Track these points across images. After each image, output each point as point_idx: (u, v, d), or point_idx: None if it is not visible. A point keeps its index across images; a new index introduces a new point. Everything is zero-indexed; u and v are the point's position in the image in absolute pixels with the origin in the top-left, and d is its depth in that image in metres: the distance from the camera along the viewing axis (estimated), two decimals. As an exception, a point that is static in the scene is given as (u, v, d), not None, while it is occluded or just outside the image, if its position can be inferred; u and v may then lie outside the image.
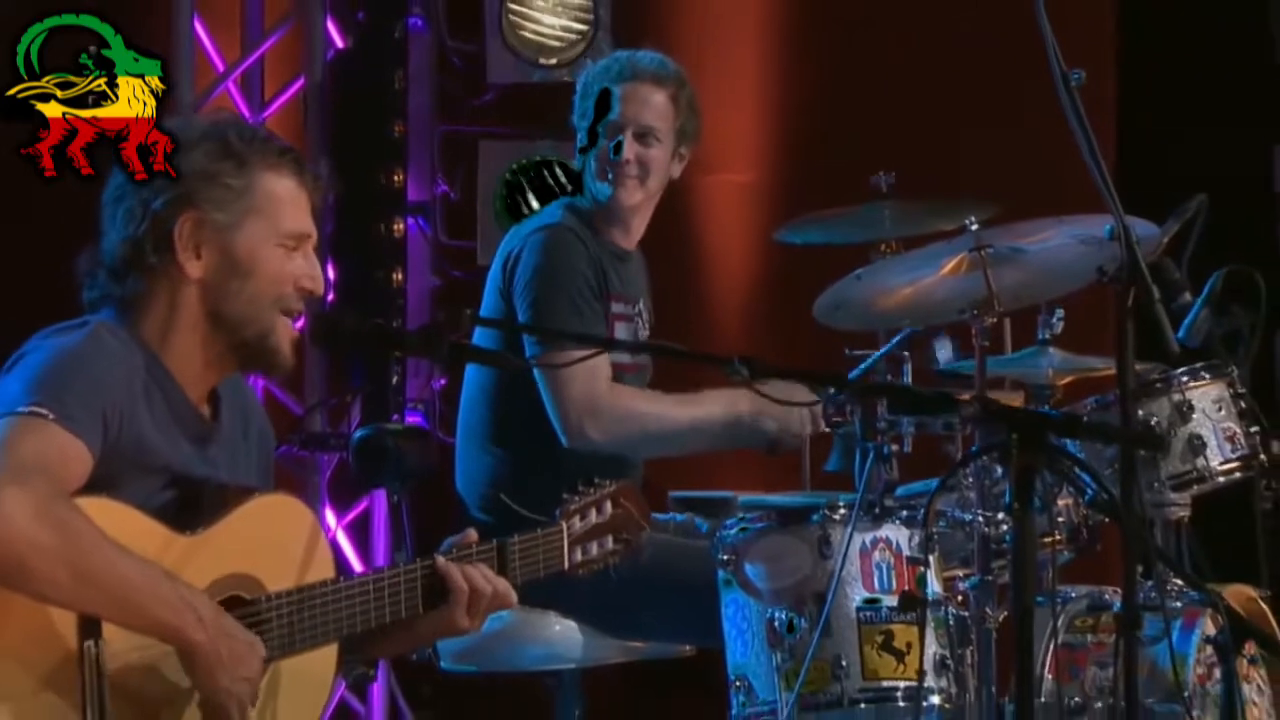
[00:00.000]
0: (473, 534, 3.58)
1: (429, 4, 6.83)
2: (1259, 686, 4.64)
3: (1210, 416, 4.75)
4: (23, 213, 5.74)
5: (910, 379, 4.71)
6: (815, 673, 4.36)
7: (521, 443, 4.91)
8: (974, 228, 4.58)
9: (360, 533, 6.77)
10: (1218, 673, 4.27)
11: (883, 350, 4.77)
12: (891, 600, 4.40)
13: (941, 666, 4.42)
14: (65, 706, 3.14)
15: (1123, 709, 3.78)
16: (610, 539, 3.72)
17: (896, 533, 4.46)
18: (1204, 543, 4.87)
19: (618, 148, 4.95)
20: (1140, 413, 4.64)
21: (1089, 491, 4.08)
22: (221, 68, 6.80)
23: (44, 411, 3.18)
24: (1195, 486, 4.74)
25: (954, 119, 6.64)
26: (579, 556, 3.68)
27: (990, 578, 4.50)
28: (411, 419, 6.64)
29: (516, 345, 4.86)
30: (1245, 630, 4.13)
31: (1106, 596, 4.65)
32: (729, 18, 6.94)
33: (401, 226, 6.76)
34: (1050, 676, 4.52)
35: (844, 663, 4.36)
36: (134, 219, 3.42)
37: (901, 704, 4.38)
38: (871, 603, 4.41)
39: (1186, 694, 4.41)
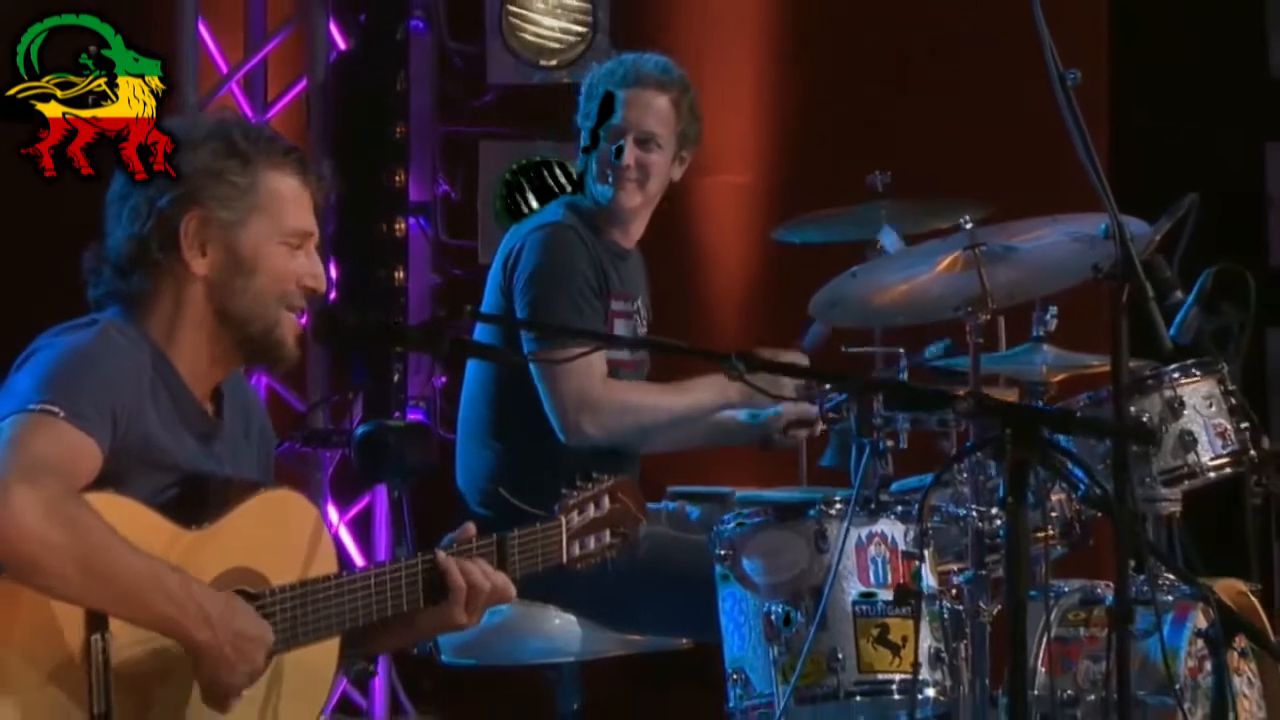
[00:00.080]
0: (471, 528, 3.59)
1: (430, 6, 6.85)
2: (1249, 679, 4.66)
3: (1201, 413, 4.74)
4: (23, 212, 5.76)
5: (905, 375, 4.72)
6: (811, 666, 4.36)
7: (521, 438, 4.92)
8: (968, 226, 4.58)
9: (362, 528, 6.79)
10: (1209, 666, 4.34)
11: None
12: (887, 594, 4.40)
13: (936, 660, 4.42)
14: (70, 700, 3.15)
15: (1115, 702, 3.80)
16: (608, 533, 3.72)
17: (892, 528, 4.45)
18: (1195, 538, 4.89)
19: (619, 152, 4.97)
20: (1132, 409, 4.64)
21: (1082, 487, 4.11)
22: (225, 69, 6.82)
23: (55, 409, 3.19)
24: (1186, 482, 4.74)
25: (948, 120, 6.64)
26: (577, 551, 3.68)
27: (984, 572, 4.51)
28: (413, 416, 6.66)
29: (516, 342, 4.86)
30: (1236, 624, 4.17)
31: (1099, 591, 4.66)
32: (727, 21, 6.94)
33: (403, 226, 6.78)
34: (1043, 669, 4.54)
35: (840, 656, 4.36)
36: (139, 216, 3.42)
37: (897, 697, 4.39)
38: (867, 597, 4.40)
39: (1178, 687, 4.41)
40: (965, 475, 4.58)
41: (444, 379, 6.64)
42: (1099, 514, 4.60)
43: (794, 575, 4.44)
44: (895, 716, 4.49)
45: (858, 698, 4.39)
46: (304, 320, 3.60)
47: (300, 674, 3.42)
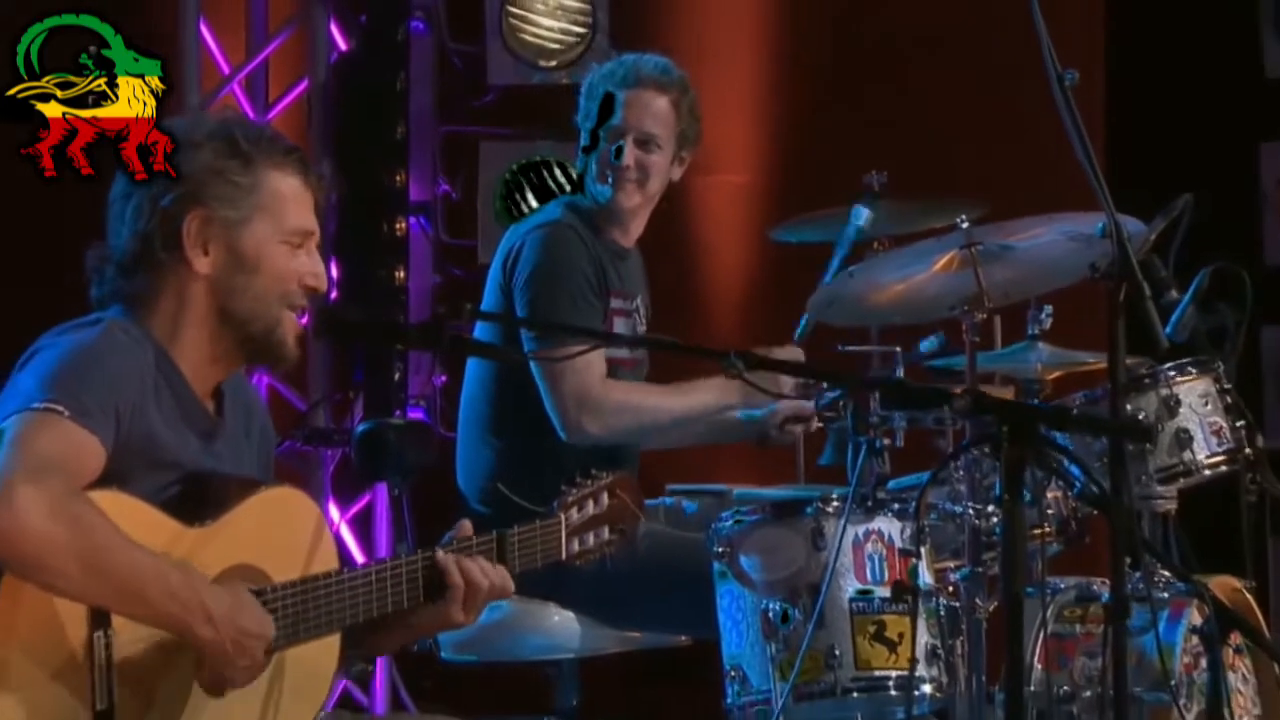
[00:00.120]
0: (467, 525, 3.59)
1: (430, 7, 6.86)
2: (1244, 675, 4.66)
3: (1197, 411, 4.77)
4: (23, 212, 5.75)
5: (901, 374, 4.72)
6: (809, 663, 4.36)
7: (521, 436, 4.94)
8: (965, 225, 4.59)
9: (363, 526, 6.80)
10: (1204, 662, 4.32)
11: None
12: (884, 591, 4.40)
13: (933, 656, 4.43)
14: (74, 696, 3.16)
15: (1111, 698, 3.80)
16: (606, 530, 3.72)
17: (889, 525, 4.46)
18: (1190, 535, 4.88)
19: (619, 152, 4.98)
20: (1128, 407, 4.65)
21: (1078, 484, 4.12)
22: (227, 70, 6.83)
23: (59, 408, 3.19)
24: (1182, 480, 4.76)
25: (945, 120, 6.65)
26: (576, 547, 3.68)
27: (980, 569, 4.52)
28: (413, 415, 6.66)
29: (516, 341, 4.87)
30: (1230, 620, 4.18)
31: (1095, 587, 4.66)
32: (725, 22, 6.94)
33: (404, 225, 6.79)
34: (1039, 666, 4.55)
35: (837, 652, 4.36)
36: (142, 216, 3.42)
37: (893, 693, 4.40)
38: (864, 594, 4.41)
39: (1173, 683, 4.42)
40: (962, 473, 4.59)
41: (444, 378, 6.65)
42: (1095, 511, 4.61)
43: (791, 572, 4.44)
44: (892, 713, 4.51)
45: (855, 694, 4.40)
46: (305, 320, 3.60)
47: (301, 670, 3.42)
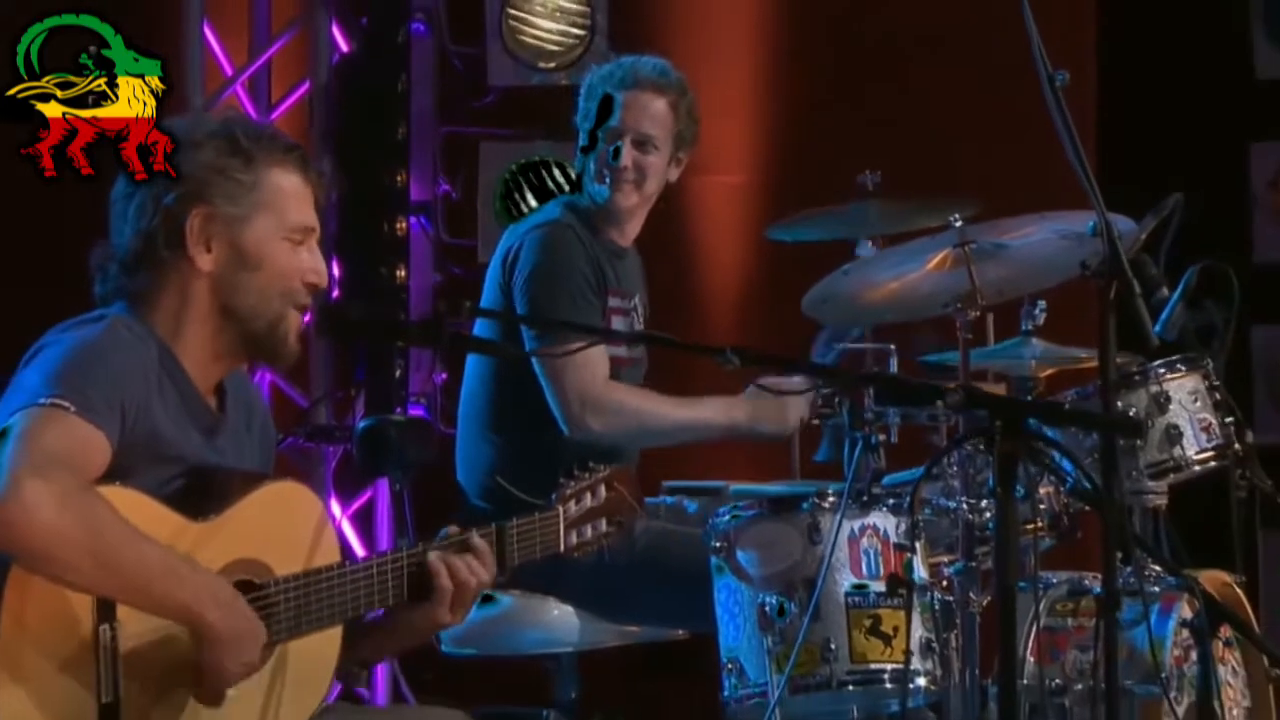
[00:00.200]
0: (452, 529, 3.58)
1: (431, 9, 6.87)
2: (1234, 668, 4.68)
3: (1186, 407, 4.79)
4: (23, 212, 5.74)
5: (896, 370, 4.75)
6: (805, 656, 4.37)
7: (520, 432, 4.95)
8: (958, 224, 4.62)
9: (364, 522, 6.81)
10: (1194, 655, 4.34)
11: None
12: (879, 585, 4.41)
13: (927, 650, 4.43)
14: (80, 688, 3.17)
15: (1102, 691, 3.83)
16: (604, 522, 3.72)
17: (884, 520, 4.47)
18: (1180, 530, 4.89)
19: (616, 153, 4.99)
20: (1119, 403, 4.65)
21: (1070, 480, 4.16)
22: (230, 71, 6.83)
23: (65, 403, 3.20)
24: (1172, 475, 4.78)
25: (944, 120, 6.64)
26: (574, 539, 3.69)
27: (974, 564, 4.54)
28: (414, 412, 6.65)
29: (515, 338, 4.88)
30: (1220, 614, 4.21)
31: (1086, 582, 4.66)
32: (722, 25, 6.94)
33: (404, 225, 6.80)
34: (1032, 659, 4.52)
35: (833, 646, 4.37)
36: (145, 214, 3.43)
37: (888, 686, 4.41)
38: (859, 588, 4.42)
39: (1164, 675, 4.42)
40: (955, 469, 4.60)
41: (444, 375, 6.64)
42: (1087, 507, 4.62)
43: (788, 567, 4.45)
44: (887, 705, 4.54)
45: (850, 687, 4.41)
46: (307, 318, 3.61)
47: (303, 663, 3.43)
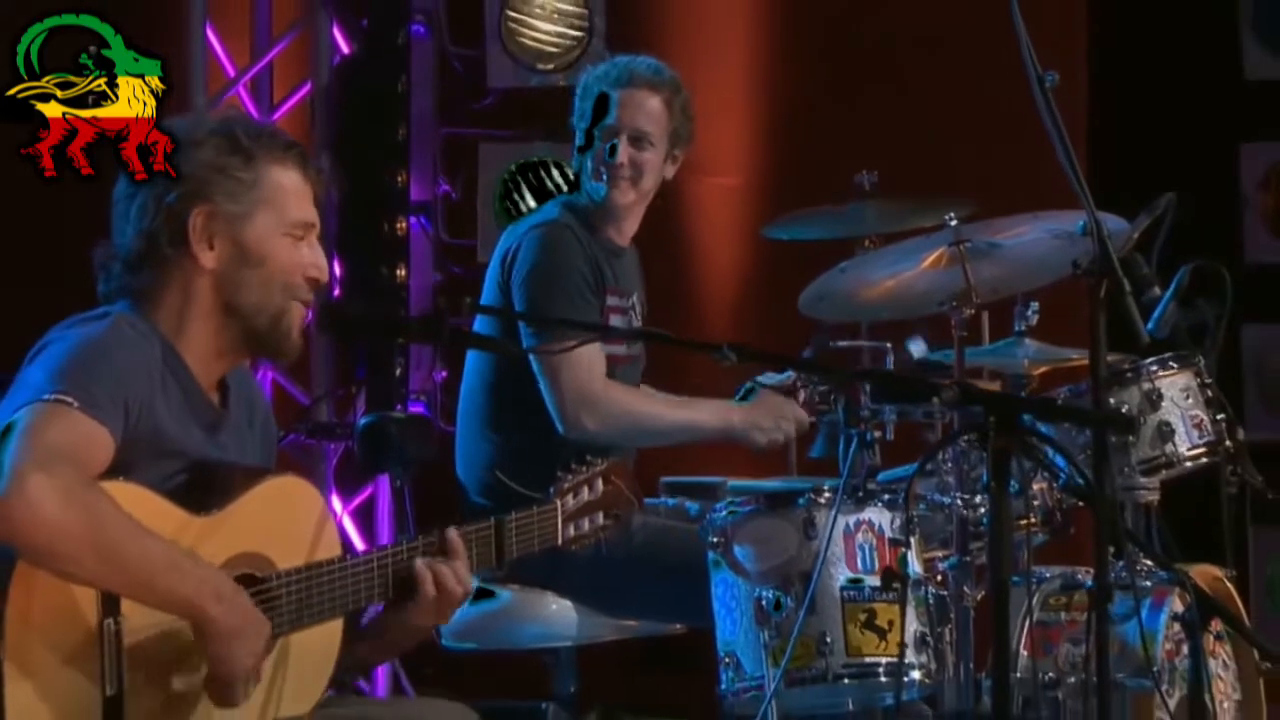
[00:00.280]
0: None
1: (431, 11, 6.88)
2: (1224, 662, 4.70)
3: (1178, 404, 4.80)
4: (23, 213, 5.76)
5: (892, 368, 4.77)
6: (801, 649, 4.39)
7: (519, 430, 4.96)
8: (953, 223, 4.64)
9: (365, 518, 6.82)
10: (1185, 648, 4.31)
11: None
12: (874, 580, 4.43)
13: (922, 643, 4.46)
14: (85, 681, 3.17)
15: (1094, 684, 3.82)
16: (601, 515, 3.74)
17: (879, 515, 4.49)
18: (1172, 525, 4.90)
19: (613, 150, 5.00)
20: (1112, 401, 4.66)
21: (1063, 476, 4.19)
22: (232, 73, 6.84)
23: (69, 399, 3.20)
24: (1164, 471, 4.79)
25: (942, 120, 6.65)
26: (572, 532, 3.70)
27: (968, 558, 4.56)
28: (414, 409, 6.67)
29: (515, 337, 4.89)
30: (1211, 608, 4.22)
31: (1079, 576, 4.68)
32: (719, 26, 6.94)
33: (405, 225, 6.80)
34: (1025, 653, 4.57)
35: (828, 640, 4.40)
36: (148, 213, 3.44)
37: (883, 679, 4.43)
38: (855, 582, 4.44)
39: (1155, 669, 4.44)
40: (950, 465, 4.62)
41: (444, 373, 6.66)
42: (1079, 502, 4.63)
43: (784, 562, 4.47)
44: (882, 699, 4.55)
45: (846, 680, 4.43)
46: (309, 316, 3.62)
47: (305, 655, 3.45)
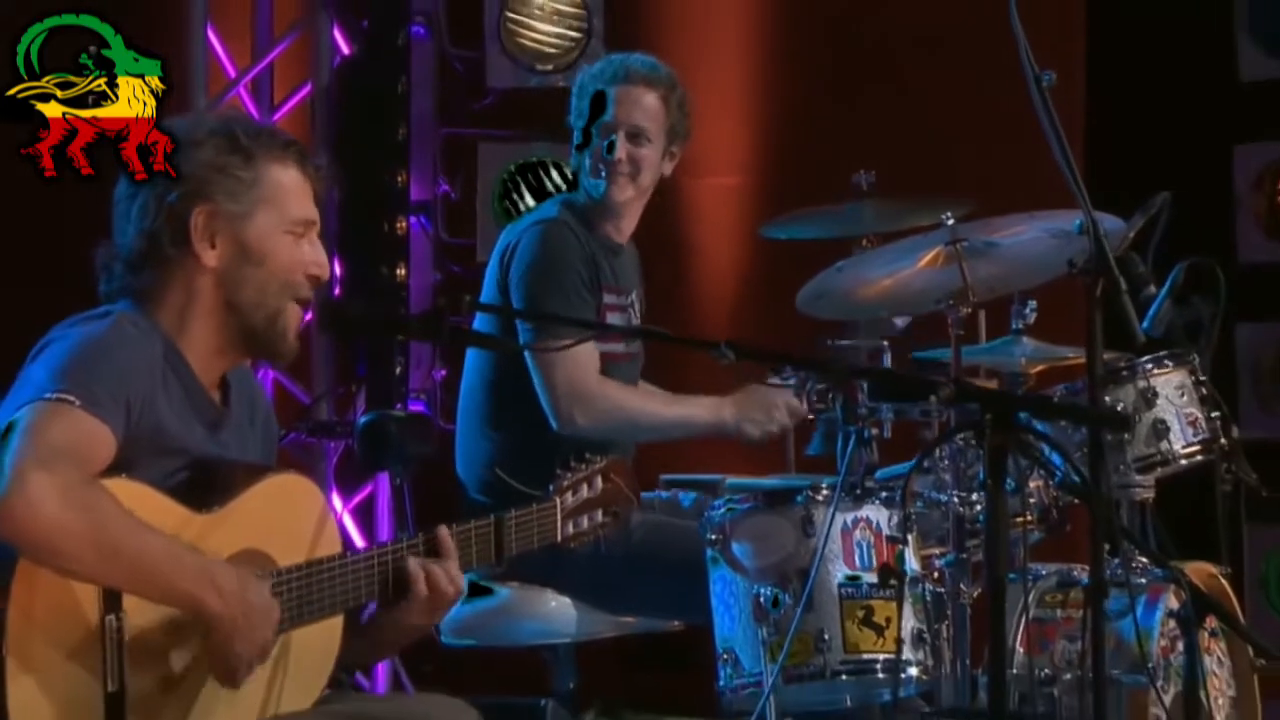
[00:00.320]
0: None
1: (431, 13, 6.89)
2: (1219, 658, 4.72)
3: (1173, 402, 4.80)
4: (23, 213, 5.76)
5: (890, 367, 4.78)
6: (799, 646, 4.40)
7: (518, 428, 4.97)
8: (950, 222, 4.64)
9: (365, 516, 6.83)
10: (1180, 645, 4.38)
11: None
12: (872, 577, 4.44)
13: (919, 640, 4.47)
14: (87, 677, 3.18)
15: (1090, 680, 3.84)
16: (600, 512, 3.75)
17: (876, 513, 4.51)
18: (1167, 523, 4.90)
19: (610, 147, 5.02)
20: (1107, 399, 4.65)
21: (1059, 474, 4.20)
22: (233, 73, 6.85)
23: (70, 398, 3.21)
24: (1159, 469, 4.79)
25: (941, 120, 6.65)
26: (571, 529, 3.71)
27: (965, 556, 4.57)
28: (414, 407, 6.67)
29: (514, 334, 4.90)
30: (1206, 605, 4.23)
31: (1075, 574, 4.69)
32: (717, 27, 6.95)
33: (404, 225, 6.82)
34: (1022, 649, 4.58)
35: (826, 636, 4.41)
36: (149, 213, 3.45)
37: (881, 675, 4.44)
38: (852, 579, 4.46)
39: (1151, 665, 4.44)
40: (946, 462, 4.64)
41: (444, 372, 6.65)
42: (1075, 500, 4.64)
43: (782, 559, 4.48)
44: (879, 695, 4.56)
45: (843, 676, 4.44)
46: (308, 315, 3.65)
47: (305, 651, 3.46)
